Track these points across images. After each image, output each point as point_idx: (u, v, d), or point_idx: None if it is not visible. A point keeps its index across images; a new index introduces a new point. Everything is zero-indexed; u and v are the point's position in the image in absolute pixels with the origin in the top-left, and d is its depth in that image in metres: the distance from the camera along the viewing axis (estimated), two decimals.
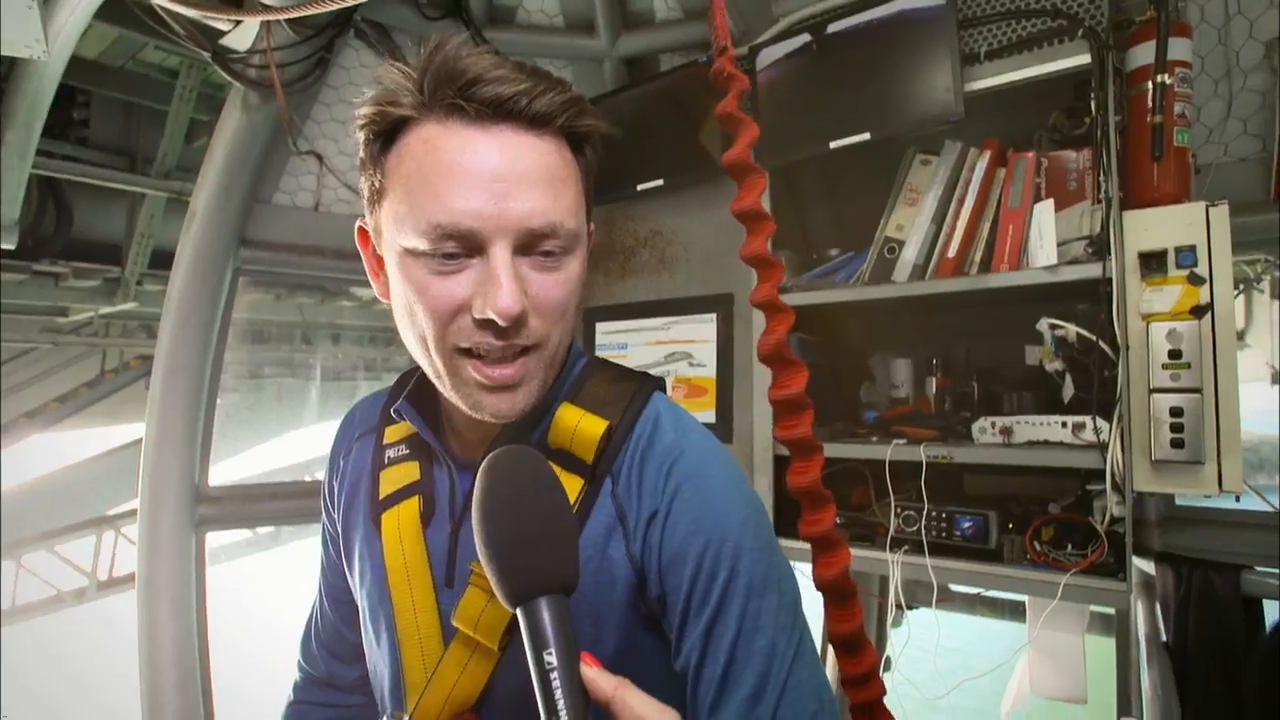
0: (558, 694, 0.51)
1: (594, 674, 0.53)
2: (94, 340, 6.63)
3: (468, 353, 0.66)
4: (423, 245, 0.64)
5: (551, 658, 0.52)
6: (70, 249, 5.43)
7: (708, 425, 1.71)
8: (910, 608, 2.07)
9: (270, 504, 2.21)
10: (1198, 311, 1.37)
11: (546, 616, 0.53)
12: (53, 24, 1.86)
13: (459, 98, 0.63)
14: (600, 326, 2.23)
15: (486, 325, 0.64)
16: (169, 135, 5.04)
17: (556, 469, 0.74)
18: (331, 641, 0.97)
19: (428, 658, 0.75)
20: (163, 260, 5.70)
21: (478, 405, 0.68)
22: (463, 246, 0.64)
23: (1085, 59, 1.49)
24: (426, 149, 0.64)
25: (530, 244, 0.66)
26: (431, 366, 0.70)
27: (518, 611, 0.54)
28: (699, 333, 2.02)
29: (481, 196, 0.62)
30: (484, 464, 0.58)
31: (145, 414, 2.00)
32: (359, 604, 0.86)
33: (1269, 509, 1.86)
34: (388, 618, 0.78)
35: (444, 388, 0.70)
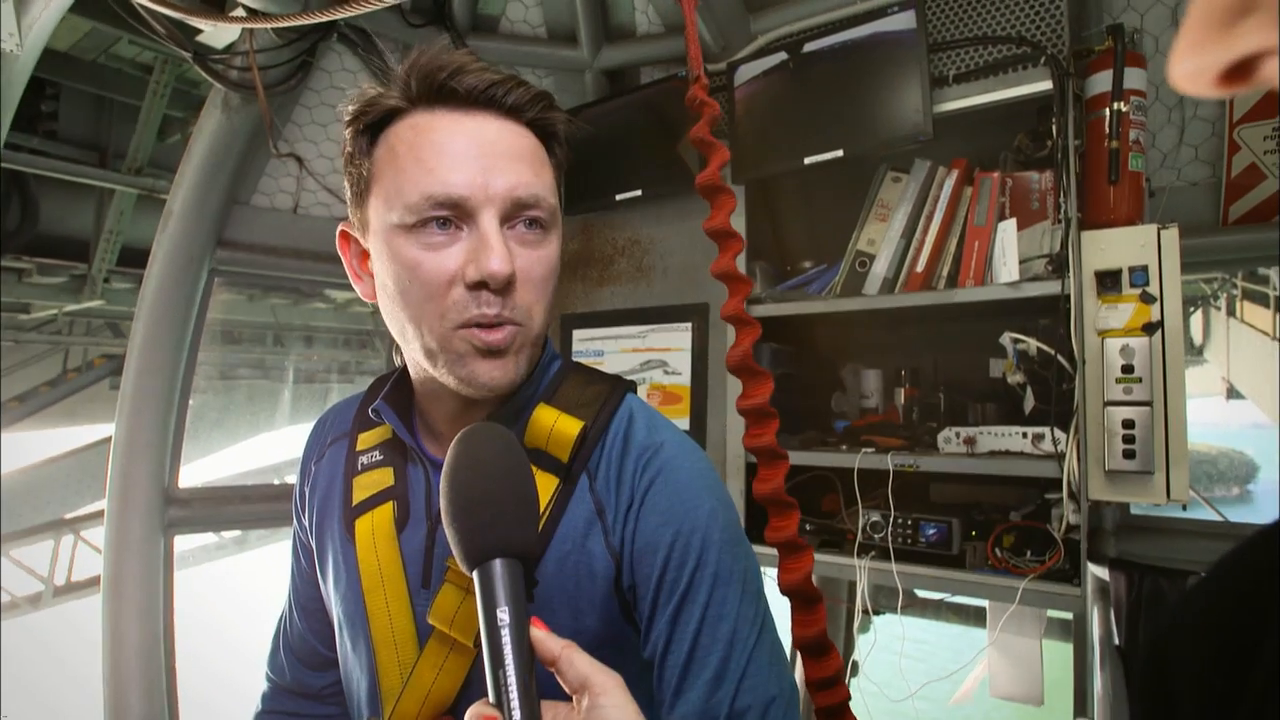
0: (506, 649, 0.52)
1: (542, 635, 0.55)
2: (57, 338, 6.48)
3: (462, 325, 0.69)
4: (414, 219, 0.68)
5: (504, 615, 0.53)
6: (35, 244, 5.31)
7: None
8: (877, 613, 2.12)
9: (241, 507, 2.19)
10: (1149, 329, 1.44)
11: (501, 577, 0.55)
12: (26, 16, 1.84)
13: (448, 83, 0.69)
14: (577, 333, 2.25)
15: (479, 288, 0.68)
16: (141, 131, 4.95)
17: (533, 468, 0.76)
18: (300, 650, 0.96)
19: (403, 661, 0.75)
20: (131, 258, 5.60)
21: (471, 376, 0.70)
22: (454, 216, 0.68)
23: (1047, 85, 1.56)
24: (417, 133, 0.69)
25: (515, 214, 0.70)
26: (423, 347, 0.71)
27: (474, 575, 0.56)
28: (674, 341, 2.05)
29: (471, 169, 0.67)
30: (457, 436, 0.61)
31: (115, 414, 1.97)
32: (333, 612, 0.86)
33: (1219, 518, 1.95)
34: (363, 624, 0.78)
35: (434, 366, 0.72)
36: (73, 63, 4.92)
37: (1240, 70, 0.25)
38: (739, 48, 1.98)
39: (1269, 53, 0.23)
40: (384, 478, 0.83)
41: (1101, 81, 1.55)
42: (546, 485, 0.74)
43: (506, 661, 0.52)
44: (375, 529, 0.80)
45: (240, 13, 1.70)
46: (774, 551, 1.17)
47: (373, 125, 0.72)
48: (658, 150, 2.02)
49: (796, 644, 1.06)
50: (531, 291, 0.72)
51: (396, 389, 0.83)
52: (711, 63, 2.02)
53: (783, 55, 1.85)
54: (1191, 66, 0.25)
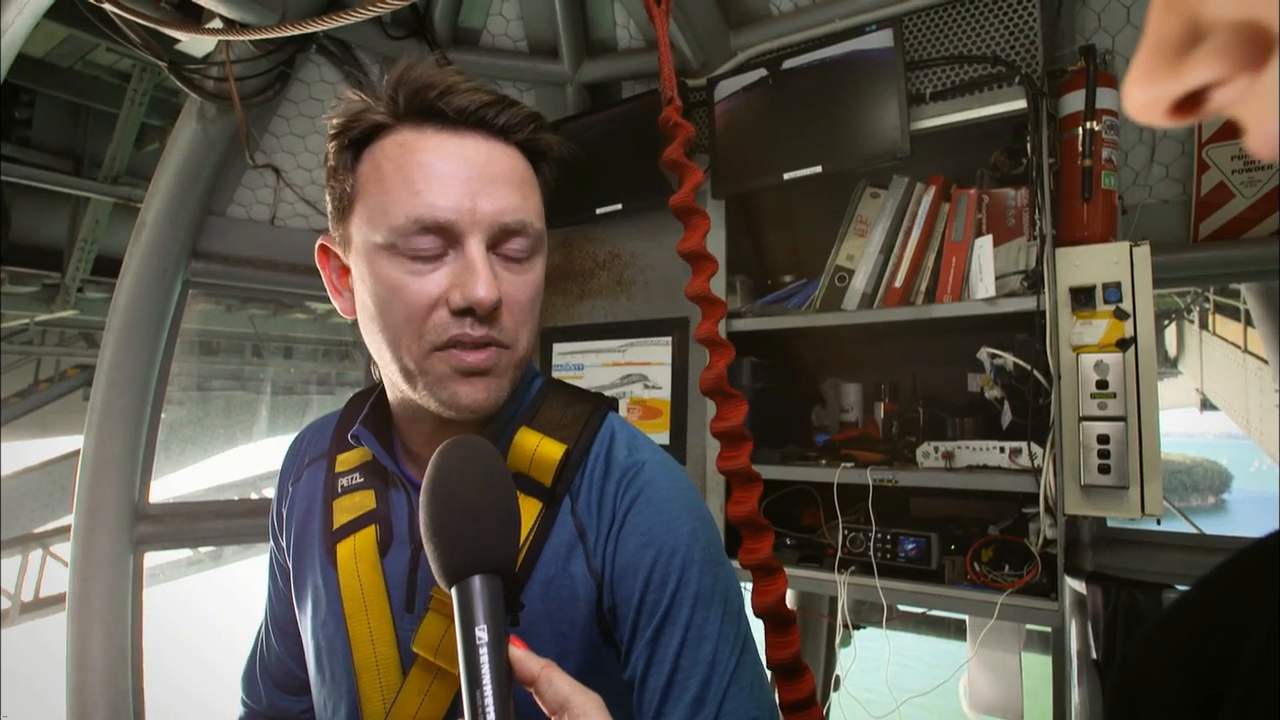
0: (484, 669, 0.51)
1: (521, 655, 0.54)
2: (28, 348, 6.36)
3: (442, 347, 0.68)
4: (399, 241, 0.66)
5: (483, 633, 0.52)
6: (7, 252, 5.22)
7: (661, 447, 1.73)
8: (858, 627, 2.12)
9: (215, 522, 2.15)
10: (1123, 344, 1.45)
11: (480, 594, 0.54)
12: None
13: (437, 102, 0.67)
14: (557, 347, 2.24)
15: (464, 315, 0.67)
16: (118, 139, 4.89)
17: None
18: (277, 674, 0.94)
19: (386, 688, 0.74)
20: (107, 267, 5.51)
21: (452, 398, 0.69)
22: (439, 240, 0.66)
23: (1022, 104, 1.59)
24: (403, 151, 0.67)
25: (501, 240, 0.69)
26: (402, 368, 0.70)
27: (453, 591, 0.55)
28: (655, 355, 2.05)
29: (458, 192, 0.66)
30: (438, 450, 0.60)
31: (84, 427, 1.93)
32: (307, 637, 0.83)
33: (1193, 530, 1.97)
34: (344, 649, 0.77)
35: (413, 389, 0.70)
36: (49, 69, 4.84)
37: (1192, 101, 0.25)
38: (719, 64, 1.99)
39: (1218, 84, 0.24)
40: (365, 500, 0.81)
41: (1074, 101, 1.58)
42: (530, 509, 0.73)
43: (484, 682, 0.51)
44: (358, 553, 0.78)
45: (217, 24, 1.69)
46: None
47: (357, 140, 0.71)
48: (638, 164, 2.02)
49: (770, 666, 1.05)
50: (517, 315, 0.71)
51: (375, 410, 0.82)
52: (692, 78, 2.03)
53: (762, 72, 1.86)
54: (1144, 97, 0.25)
